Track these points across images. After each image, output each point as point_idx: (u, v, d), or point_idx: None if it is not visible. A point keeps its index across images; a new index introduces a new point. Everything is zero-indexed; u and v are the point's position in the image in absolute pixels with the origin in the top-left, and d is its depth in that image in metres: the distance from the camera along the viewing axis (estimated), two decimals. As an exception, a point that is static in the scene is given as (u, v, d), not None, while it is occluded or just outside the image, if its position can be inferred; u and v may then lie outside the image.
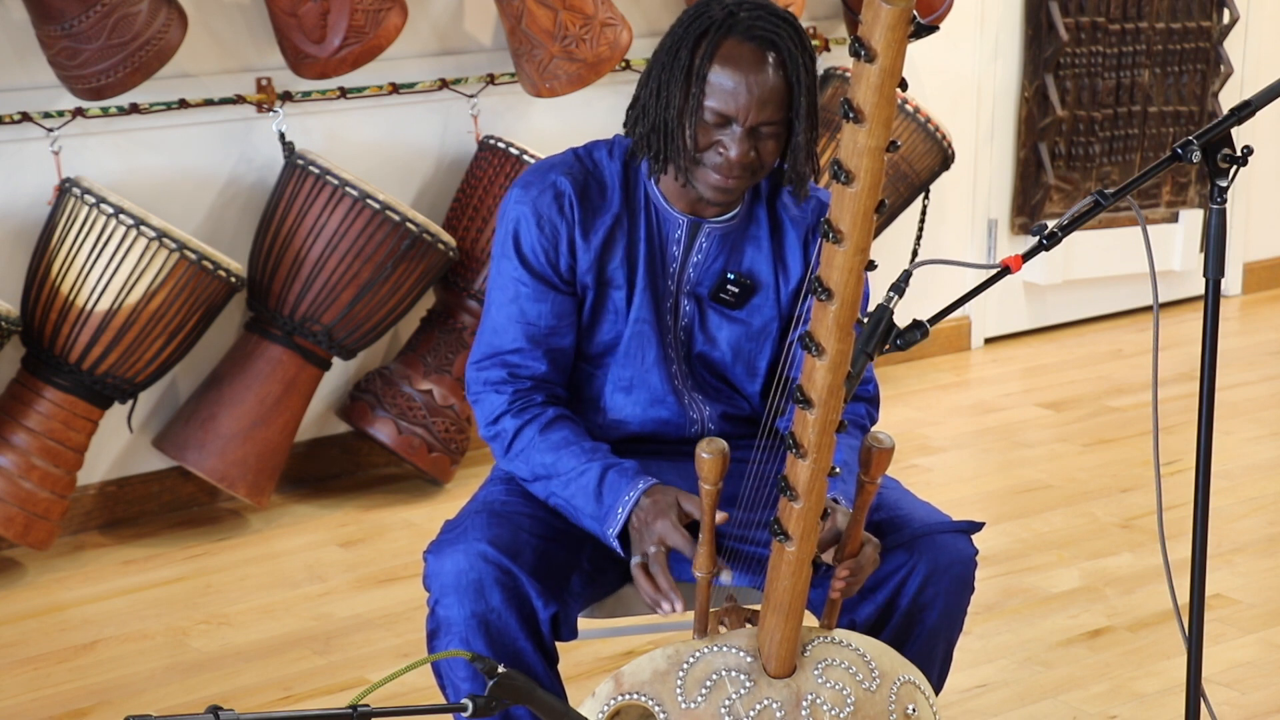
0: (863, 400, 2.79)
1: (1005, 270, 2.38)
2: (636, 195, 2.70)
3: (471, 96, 4.67)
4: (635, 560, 2.54)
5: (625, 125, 2.66)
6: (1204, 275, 2.53)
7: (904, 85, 2.17)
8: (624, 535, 2.61)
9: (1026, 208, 5.77)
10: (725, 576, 2.52)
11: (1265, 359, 5.68)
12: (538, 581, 2.58)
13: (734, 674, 2.42)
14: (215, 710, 1.93)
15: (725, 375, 2.78)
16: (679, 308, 2.73)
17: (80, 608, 3.97)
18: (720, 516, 2.45)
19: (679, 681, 2.42)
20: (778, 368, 2.74)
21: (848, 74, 5.11)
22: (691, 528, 2.55)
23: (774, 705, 2.41)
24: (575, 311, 2.71)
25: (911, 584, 2.64)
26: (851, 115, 2.15)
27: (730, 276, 2.72)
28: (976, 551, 2.70)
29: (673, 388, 2.75)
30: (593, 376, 2.76)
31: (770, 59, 2.53)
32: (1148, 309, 6.12)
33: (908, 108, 5.08)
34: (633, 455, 2.75)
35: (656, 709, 2.41)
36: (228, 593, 4.03)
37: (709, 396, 2.78)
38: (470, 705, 2.05)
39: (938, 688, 2.72)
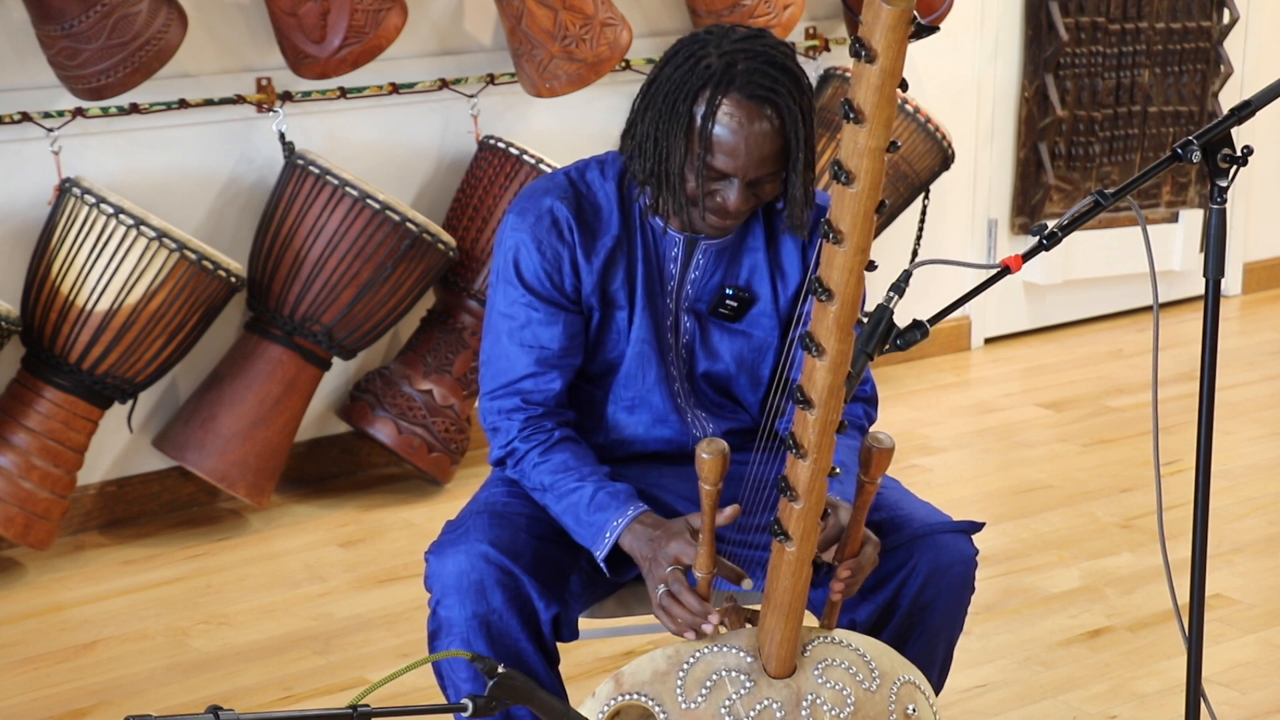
0: (860, 400, 2.79)
1: (1005, 270, 2.38)
2: (632, 216, 2.70)
3: (471, 96, 4.67)
4: (660, 592, 2.50)
5: (622, 149, 2.66)
6: (1204, 275, 2.53)
7: (904, 86, 2.17)
8: (612, 558, 2.61)
9: (1026, 208, 5.77)
10: (746, 584, 2.52)
11: (1265, 359, 5.68)
12: (539, 582, 2.59)
13: (734, 674, 2.42)
14: (215, 710, 1.93)
15: (729, 389, 2.77)
16: (679, 325, 2.73)
17: (80, 608, 3.97)
18: (730, 511, 2.45)
19: (679, 681, 2.42)
20: (778, 372, 2.74)
21: (848, 74, 5.11)
22: None
23: (774, 705, 2.41)
24: (585, 330, 2.71)
25: (912, 584, 2.64)
26: (852, 116, 2.16)
27: (729, 291, 2.72)
28: (977, 551, 2.71)
29: (675, 406, 2.75)
30: (595, 396, 2.76)
31: (769, 115, 2.52)
32: (1148, 309, 6.11)
33: (908, 108, 5.08)
34: (636, 468, 2.75)
35: (656, 709, 2.41)
36: (228, 593, 4.03)
37: (711, 413, 2.78)
38: (470, 705, 2.05)
39: (938, 688, 2.72)
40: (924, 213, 5.24)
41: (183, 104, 4.29)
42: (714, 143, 2.52)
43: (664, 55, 2.60)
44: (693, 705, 2.40)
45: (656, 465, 2.77)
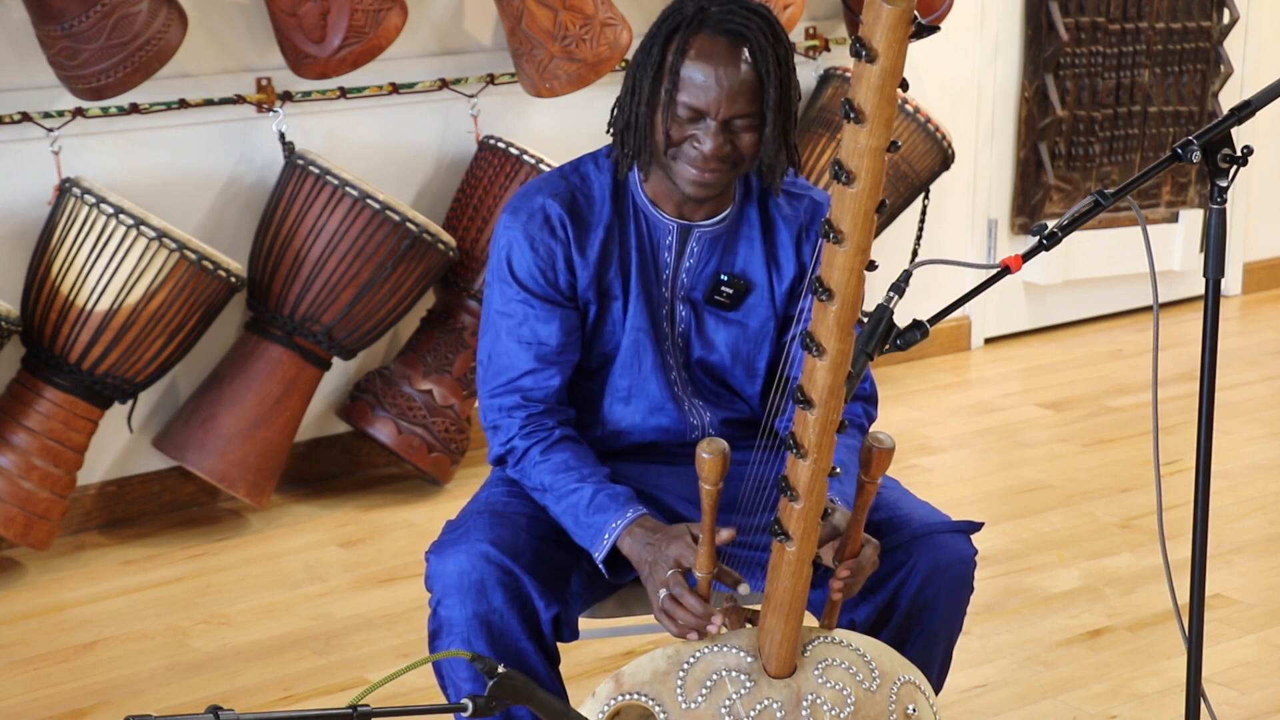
0: (860, 398, 2.79)
1: (1005, 270, 2.38)
2: (625, 204, 2.70)
3: (471, 96, 4.67)
4: (661, 596, 2.50)
5: (610, 123, 2.67)
6: (1204, 275, 2.53)
7: (905, 85, 2.17)
8: (610, 559, 2.61)
9: (1026, 208, 5.77)
10: (743, 589, 2.52)
11: (1265, 359, 5.68)
12: (539, 582, 2.59)
13: (734, 674, 2.42)
14: (215, 710, 1.93)
15: (725, 378, 2.77)
16: (675, 314, 2.73)
17: (80, 608, 3.97)
18: (727, 534, 2.45)
19: (679, 681, 2.42)
20: (776, 368, 2.74)
21: (848, 74, 5.11)
22: None
23: (774, 705, 2.41)
24: (582, 325, 2.71)
25: (911, 584, 2.64)
26: (852, 115, 2.16)
27: (724, 278, 2.72)
28: (976, 551, 2.70)
29: (672, 394, 2.75)
30: (591, 390, 2.76)
31: (741, 52, 2.53)
32: (1148, 309, 6.12)
33: (908, 108, 5.08)
34: (635, 462, 2.75)
35: (657, 709, 2.41)
36: (228, 593, 4.03)
37: (709, 402, 2.78)
38: (470, 705, 2.05)
39: (938, 688, 2.72)
40: (924, 213, 5.24)
41: (183, 104, 4.29)
42: (684, 79, 2.53)
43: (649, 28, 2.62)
44: (693, 705, 2.40)
45: (656, 465, 2.77)
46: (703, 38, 2.53)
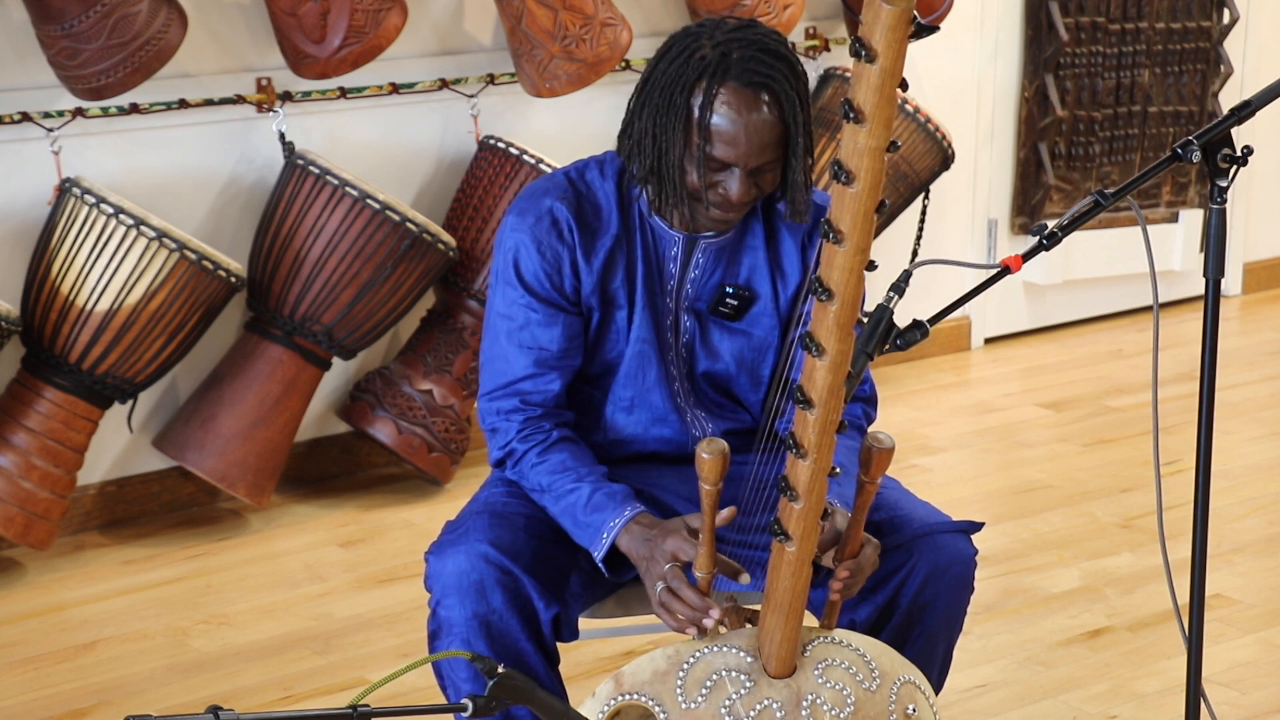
0: (860, 400, 2.79)
1: (1005, 270, 2.38)
2: (632, 214, 2.70)
3: (471, 96, 4.67)
4: (658, 589, 2.49)
5: (619, 150, 2.66)
6: (1204, 275, 2.53)
7: (904, 85, 2.17)
8: (610, 558, 2.61)
9: (1026, 208, 5.77)
10: (744, 579, 2.52)
11: (1265, 359, 5.68)
12: (539, 582, 2.59)
13: (734, 674, 2.42)
14: (215, 710, 1.93)
15: (729, 388, 2.77)
16: (679, 324, 2.73)
17: (80, 608, 3.97)
18: (727, 513, 2.45)
19: (679, 681, 2.42)
20: (778, 372, 2.74)
21: (848, 74, 5.11)
22: None
23: (774, 705, 2.41)
24: (584, 331, 2.71)
25: (911, 584, 2.64)
26: (852, 115, 2.16)
27: (729, 289, 2.72)
28: (976, 551, 2.71)
29: (674, 406, 2.75)
30: (594, 396, 2.76)
31: (766, 102, 2.52)
32: (1148, 309, 6.12)
33: (908, 108, 5.08)
34: (635, 468, 2.75)
35: (656, 709, 2.41)
36: (228, 593, 4.03)
37: (711, 413, 2.78)
38: (470, 705, 2.05)
39: (938, 688, 2.72)
40: (924, 213, 5.24)
41: (183, 104, 4.29)
42: (713, 132, 2.52)
43: (658, 51, 2.60)
44: (693, 705, 2.40)
45: (656, 465, 2.77)
46: (729, 90, 2.51)
